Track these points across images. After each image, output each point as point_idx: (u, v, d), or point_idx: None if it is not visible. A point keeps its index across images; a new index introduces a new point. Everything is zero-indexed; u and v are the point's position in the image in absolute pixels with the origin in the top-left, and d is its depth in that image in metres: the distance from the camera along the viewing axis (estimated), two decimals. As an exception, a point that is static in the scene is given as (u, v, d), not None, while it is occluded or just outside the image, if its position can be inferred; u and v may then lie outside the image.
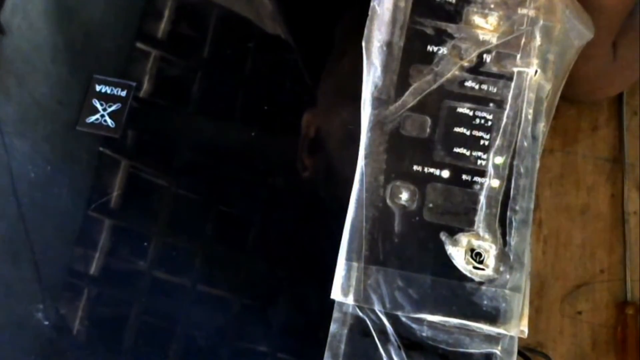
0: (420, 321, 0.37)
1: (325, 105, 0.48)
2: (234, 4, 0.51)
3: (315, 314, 0.43)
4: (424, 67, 0.39)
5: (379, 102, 0.39)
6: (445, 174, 0.38)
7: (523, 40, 0.40)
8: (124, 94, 0.48)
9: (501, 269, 0.37)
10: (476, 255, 0.37)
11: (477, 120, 0.39)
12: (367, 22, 0.40)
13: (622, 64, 0.60)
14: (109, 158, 0.48)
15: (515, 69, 0.39)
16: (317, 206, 0.47)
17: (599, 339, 0.63)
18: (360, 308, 0.37)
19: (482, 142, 0.39)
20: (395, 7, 0.40)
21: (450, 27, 0.40)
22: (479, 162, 0.38)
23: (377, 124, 0.39)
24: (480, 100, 0.39)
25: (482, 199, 0.38)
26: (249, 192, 0.48)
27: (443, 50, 0.40)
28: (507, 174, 0.38)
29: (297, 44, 0.50)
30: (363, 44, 0.40)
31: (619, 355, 0.62)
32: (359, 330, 0.37)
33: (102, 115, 0.48)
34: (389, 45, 0.40)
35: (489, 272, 0.37)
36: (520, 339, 0.38)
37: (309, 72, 0.49)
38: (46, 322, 0.44)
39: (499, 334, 0.37)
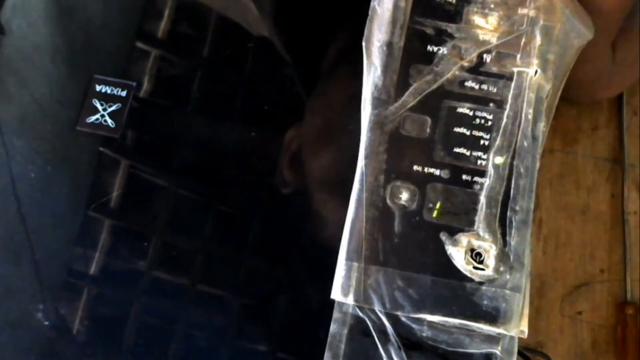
0: (420, 321, 0.37)
1: (311, 121, 0.48)
2: (223, 7, 0.51)
3: (315, 314, 0.43)
4: (424, 67, 0.39)
5: (379, 102, 0.39)
6: (445, 174, 0.38)
7: (523, 40, 0.40)
8: (124, 94, 0.48)
9: (501, 269, 0.37)
10: (476, 255, 0.37)
11: (477, 120, 0.39)
12: (367, 22, 0.40)
13: (622, 65, 0.60)
14: (109, 158, 0.48)
15: (515, 69, 0.39)
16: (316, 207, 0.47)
17: (599, 339, 0.63)
18: (360, 308, 0.37)
19: (482, 142, 0.39)
20: (395, 7, 0.40)
21: (450, 27, 0.40)
22: (479, 162, 0.38)
23: (377, 124, 0.39)
24: (480, 100, 0.39)
25: (482, 199, 0.38)
26: (249, 192, 0.48)
27: (443, 50, 0.40)
28: (507, 174, 0.38)
29: (287, 51, 0.50)
30: (363, 44, 0.40)
31: (619, 355, 0.62)
32: (359, 330, 0.37)
33: (102, 115, 0.48)
34: (389, 45, 0.40)
35: (489, 272, 0.37)
36: (520, 339, 0.38)
37: (300, 78, 0.49)
38: (46, 322, 0.44)
39: (499, 334, 0.37)
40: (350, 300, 0.37)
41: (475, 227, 0.38)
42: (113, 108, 0.48)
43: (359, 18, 0.41)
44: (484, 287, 0.37)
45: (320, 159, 0.47)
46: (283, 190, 0.46)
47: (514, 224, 0.38)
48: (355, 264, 0.37)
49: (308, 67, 0.49)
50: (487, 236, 0.37)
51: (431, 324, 0.37)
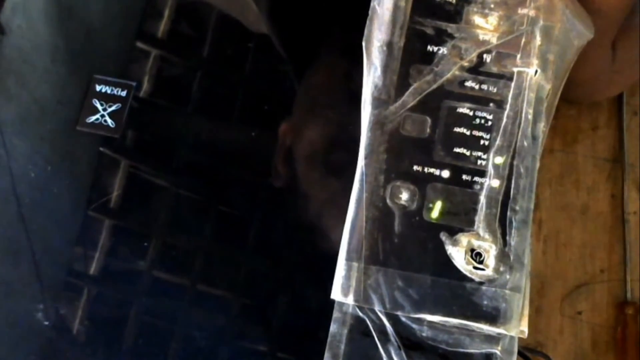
0: (420, 321, 0.37)
1: (302, 116, 0.48)
2: (224, 6, 0.52)
3: (315, 314, 0.43)
4: (424, 67, 0.39)
5: (379, 102, 0.39)
6: (445, 174, 0.38)
7: (523, 40, 0.40)
8: (124, 94, 0.48)
9: (501, 269, 0.37)
10: (476, 255, 0.37)
11: (477, 120, 0.39)
12: (367, 22, 0.40)
13: (622, 66, 0.60)
14: (109, 158, 0.48)
15: (515, 69, 0.39)
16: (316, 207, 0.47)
17: (599, 339, 0.63)
18: (360, 308, 0.37)
19: (482, 142, 0.39)
20: (395, 7, 0.40)
21: (450, 27, 0.40)
22: (479, 162, 0.38)
23: (377, 124, 0.39)
24: (480, 100, 0.39)
25: (482, 199, 0.38)
26: (249, 192, 0.48)
27: (443, 50, 0.40)
28: (507, 174, 0.38)
29: (283, 49, 0.50)
30: (363, 44, 0.40)
31: (619, 355, 0.62)
32: (359, 330, 0.37)
33: (102, 115, 0.48)
34: (389, 45, 0.40)
35: (489, 272, 0.37)
36: (520, 339, 0.38)
37: (297, 75, 0.49)
38: (46, 322, 0.44)
39: (499, 334, 0.37)
40: (350, 300, 0.37)
41: (475, 227, 0.38)
42: (113, 108, 0.48)
43: (359, 18, 0.41)
44: (484, 287, 0.37)
45: (311, 149, 0.47)
46: (276, 184, 0.46)
47: (514, 224, 0.38)
48: (355, 264, 0.37)
49: (306, 65, 0.49)
50: (487, 236, 0.37)
51: (431, 324, 0.37)
